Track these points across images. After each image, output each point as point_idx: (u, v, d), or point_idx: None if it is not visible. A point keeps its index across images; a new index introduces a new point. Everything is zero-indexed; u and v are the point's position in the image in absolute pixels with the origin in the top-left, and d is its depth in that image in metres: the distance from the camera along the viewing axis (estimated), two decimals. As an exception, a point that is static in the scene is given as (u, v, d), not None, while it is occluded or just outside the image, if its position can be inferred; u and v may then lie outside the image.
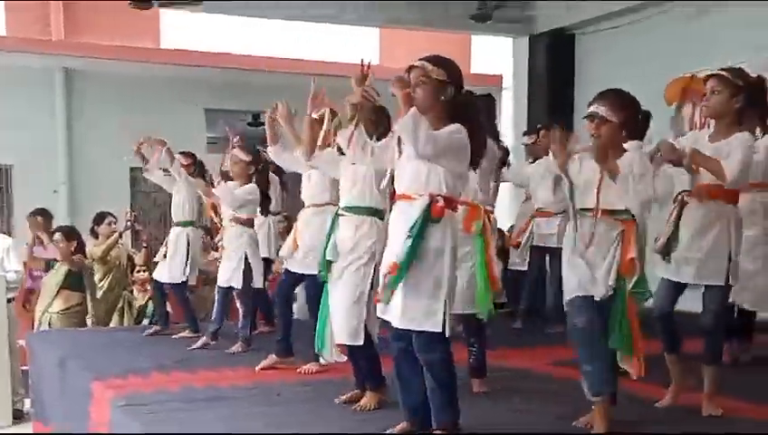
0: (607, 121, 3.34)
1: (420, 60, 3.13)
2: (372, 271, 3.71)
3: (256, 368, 4.71)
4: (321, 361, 4.43)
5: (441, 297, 3.04)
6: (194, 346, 5.57)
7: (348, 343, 3.79)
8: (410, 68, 3.12)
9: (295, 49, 10.20)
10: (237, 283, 5.50)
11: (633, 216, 3.37)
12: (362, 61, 3.33)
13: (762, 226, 4.81)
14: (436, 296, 3.04)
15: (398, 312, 3.08)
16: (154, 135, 8.86)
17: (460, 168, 3.13)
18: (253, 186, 5.51)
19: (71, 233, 7.26)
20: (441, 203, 3.04)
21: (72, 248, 7.07)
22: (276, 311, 5.07)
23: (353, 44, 10.61)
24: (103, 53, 9.29)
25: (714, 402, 3.67)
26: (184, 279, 6.03)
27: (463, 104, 3.16)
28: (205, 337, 5.62)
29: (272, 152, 4.75)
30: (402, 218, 3.09)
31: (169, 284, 6.08)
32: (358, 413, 3.70)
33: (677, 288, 3.77)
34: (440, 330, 3.04)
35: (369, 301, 3.70)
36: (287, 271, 4.77)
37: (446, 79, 3.09)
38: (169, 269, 6.01)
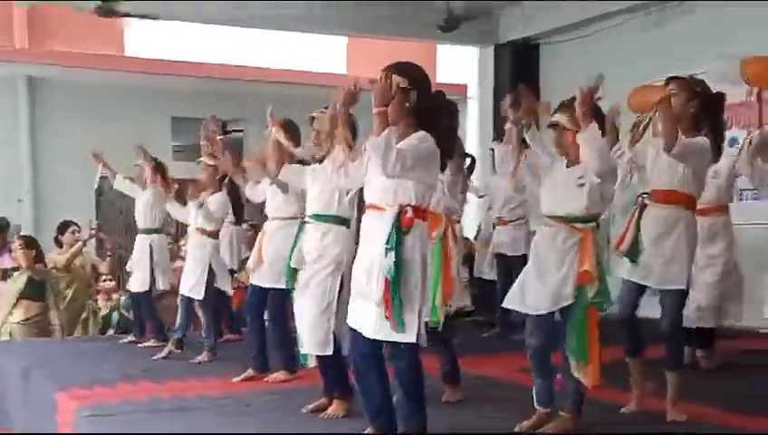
0: (568, 130, 3.41)
1: (384, 69, 3.13)
2: (339, 280, 3.72)
3: (234, 379, 4.67)
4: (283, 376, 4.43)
5: (415, 308, 3.05)
6: (158, 356, 5.54)
7: (316, 353, 3.78)
8: (376, 81, 3.11)
9: (262, 57, 10.20)
10: (199, 294, 5.47)
11: (592, 224, 3.42)
12: (355, 81, 3.35)
13: (721, 245, 4.94)
14: (411, 308, 3.04)
15: (372, 323, 3.07)
16: (120, 144, 8.85)
17: (429, 178, 3.15)
18: (222, 197, 5.47)
19: (30, 242, 7.18)
20: (410, 214, 3.05)
21: (32, 257, 6.99)
22: (249, 328, 4.95)
23: (320, 53, 10.65)
24: (67, 61, 9.19)
25: (678, 408, 3.72)
26: (147, 288, 6.00)
27: (428, 109, 3.15)
28: (169, 346, 5.60)
29: (248, 190, 4.82)
30: (373, 228, 3.11)
31: (136, 293, 6.05)
32: (325, 421, 3.70)
33: (639, 290, 3.83)
34: (414, 341, 3.04)
35: (338, 310, 3.70)
36: (253, 286, 4.74)
37: (408, 86, 3.09)
38: (134, 278, 5.99)
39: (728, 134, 7.27)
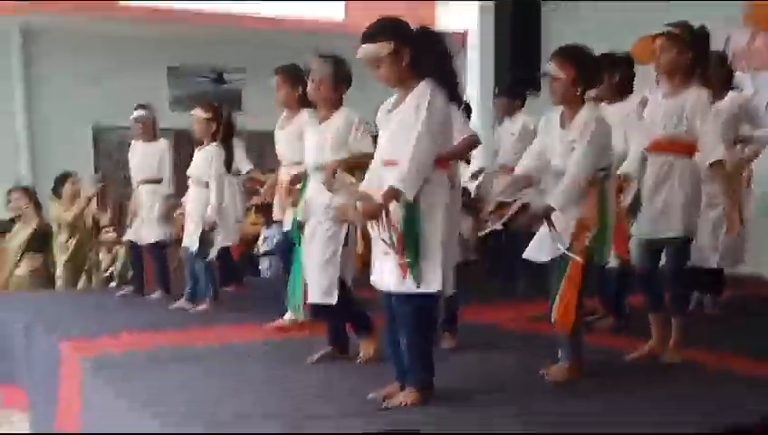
0: (557, 79, 3.39)
1: (362, 45, 3.03)
2: (345, 229, 3.70)
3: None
4: (288, 317, 4.46)
5: (436, 256, 2.99)
6: (175, 305, 5.55)
7: (321, 302, 3.78)
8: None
9: (260, 5, 10.04)
10: (193, 244, 5.44)
11: (601, 174, 3.39)
12: None
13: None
14: (431, 256, 2.98)
15: (393, 278, 3.02)
16: (115, 94, 8.77)
17: (447, 130, 3.09)
18: (211, 150, 5.41)
19: (31, 193, 7.16)
20: None
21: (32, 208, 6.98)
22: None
23: (319, 1, 10.48)
24: (61, 11, 9.04)
25: (676, 351, 3.76)
26: (160, 238, 6.00)
27: (426, 57, 3.03)
28: (182, 300, 5.58)
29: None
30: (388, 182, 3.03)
31: (147, 244, 6.03)
32: (326, 371, 3.72)
33: (651, 246, 3.82)
34: (439, 289, 3.01)
35: (344, 258, 3.70)
36: (283, 234, 4.75)
37: (394, 46, 3.00)
38: (145, 230, 5.97)
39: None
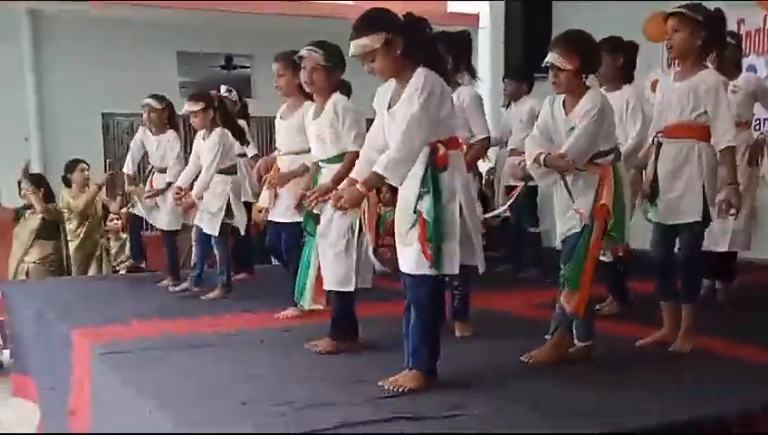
0: (561, 70, 3.35)
1: (351, 39, 3.02)
2: (358, 216, 3.67)
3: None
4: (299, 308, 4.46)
5: (454, 240, 3.00)
6: (175, 289, 5.60)
7: (337, 289, 3.78)
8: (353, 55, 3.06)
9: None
10: (214, 230, 5.45)
11: (610, 157, 3.38)
12: None
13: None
14: (450, 240, 2.99)
15: (412, 260, 3.02)
16: (125, 80, 8.75)
17: (452, 111, 3.08)
18: (215, 138, 5.38)
19: (39, 180, 7.18)
20: (442, 151, 2.99)
21: (41, 196, 7.00)
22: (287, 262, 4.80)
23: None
24: (71, -4, 9.04)
25: (687, 339, 3.72)
26: (176, 227, 6.00)
27: (417, 44, 3.03)
28: (186, 282, 5.62)
29: None
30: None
31: (163, 230, 6.04)
32: (338, 359, 3.71)
33: (668, 232, 3.79)
34: (456, 272, 3.04)
35: (359, 247, 3.68)
36: (270, 223, 4.74)
37: (387, 37, 2.99)
38: (164, 216, 5.97)
39: (745, 61, 7.24)
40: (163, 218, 5.95)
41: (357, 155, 3.46)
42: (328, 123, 3.84)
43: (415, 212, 2.98)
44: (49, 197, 7.15)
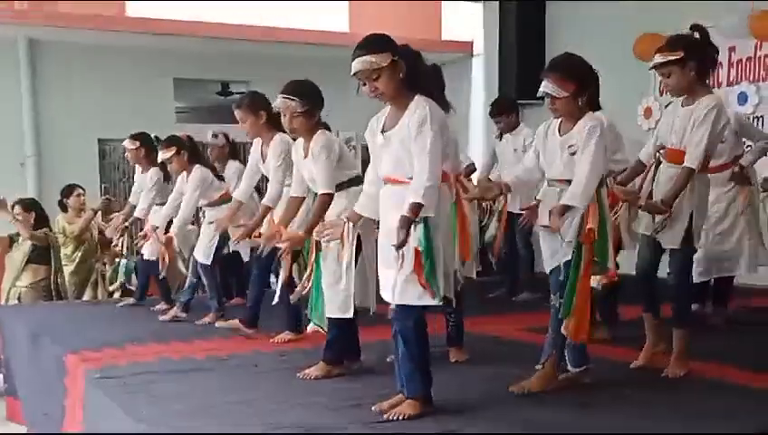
0: (558, 98, 3.36)
1: (356, 57, 3.04)
2: (354, 241, 3.65)
3: (216, 323, 4.84)
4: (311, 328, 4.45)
5: (440, 270, 3.02)
6: (163, 317, 5.59)
7: (338, 316, 3.77)
8: (355, 73, 3.07)
9: (264, 17, 10.08)
10: (207, 258, 5.47)
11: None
12: None
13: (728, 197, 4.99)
14: (439, 270, 3.01)
15: (398, 289, 3.04)
16: (122, 106, 8.79)
17: (446, 144, 3.11)
18: (196, 174, 5.46)
19: (29, 205, 7.17)
20: None
21: (32, 220, 6.99)
22: (252, 279, 5.05)
23: (323, 12, 10.52)
24: (68, 22, 9.10)
25: (680, 364, 3.71)
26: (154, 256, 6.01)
27: (416, 73, 3.09)
28: (175, 309, 5.62)
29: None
30: (393, 201, 3.06)
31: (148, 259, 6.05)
32: (334, 383, 3.71)
33: (656, 248, 3.82)
34: (439, 302, 3.04)
35: (359, 272, 3.67)
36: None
37: (393, 58, 3.02)
38: (148, 244, 5.98)
39: (737, 88, 7.31)
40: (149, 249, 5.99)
41: (325, 197, 3.74)
42: (313, 162, 3.89)
43: (401, 247, 2.98)
44: (42, 221, 7.15)
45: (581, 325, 3.38)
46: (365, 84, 3.08)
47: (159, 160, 5.67)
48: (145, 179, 6.04)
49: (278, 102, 3.94)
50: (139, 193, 6.10)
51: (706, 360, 3.91)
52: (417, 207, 2.94)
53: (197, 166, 5.52)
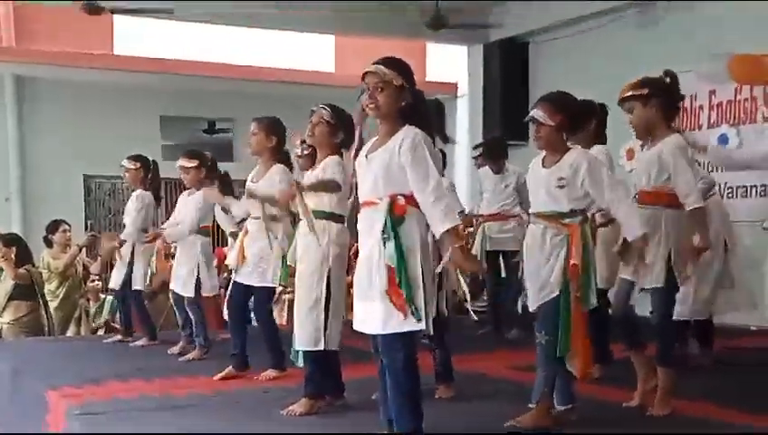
0: (543, 125, 3.44)
1: (375, 63, 3.11)
2: (327, 274, 3.70)
3: (215, 377, 4.67)
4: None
5: (420, 295, 3.00)
6: (185, 357, 5.42)
7: (306, 349, 3.77)
8: (366, 74, 3.11)
9: (251, 56, 10.18)
10: (189, 292, 5.45)
11: (580, 218, 3.44)
12: None
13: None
14: (417, 295, 3.00)
15: (379, 319, 3.02)
16: (108, 143, 8.80)
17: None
18: (198, 195, 5.45)
19: (11, 240, 7.13)
20: (402, 201, 3.03)
21: (13, 255, 6.94)
22: (231, 325, 4.85)
23: (309, 52, 10.65)
24: (55, 60, 9.16)
25: (665, 403, 3.72)
26: (138, 287, 5.99)
27: (419, 107, 3.14)
28: (194, 352, 5.45)
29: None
30: (368, 224, 3.09)
31: (124, 291, 6.02)
32: (318, 419, 3.69)
33: (631, 285, 3.86)
34: (423, 328, 3.01)
35: (328, 306, 3.69)
36: (236, 284, 4.70)
37: (405, 84, 3.09)
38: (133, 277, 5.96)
39: (717, 131, 7.43)
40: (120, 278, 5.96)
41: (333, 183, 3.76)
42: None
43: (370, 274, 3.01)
44: (25, 257, 7.09)
45: (587, 362, 3.41)
46: (367, 92, 3.10)
47: (178, 166, 5.57)
48: (136, 201, 5.99)
49: (314, 107, 3.95)
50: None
51: (691, 398, 3.92)
52: (451, 214, 2.99)
53: (206, 189, 5.40)
